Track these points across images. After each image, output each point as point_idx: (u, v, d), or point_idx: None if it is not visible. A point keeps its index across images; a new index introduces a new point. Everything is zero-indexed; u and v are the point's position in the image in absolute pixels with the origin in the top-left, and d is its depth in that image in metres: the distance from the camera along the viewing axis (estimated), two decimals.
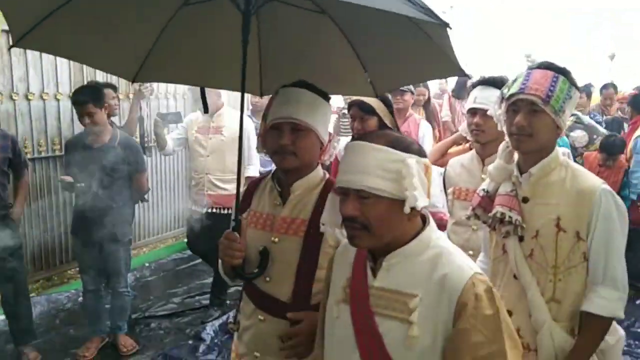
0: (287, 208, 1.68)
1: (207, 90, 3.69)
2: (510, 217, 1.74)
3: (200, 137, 3.91)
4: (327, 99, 1.72)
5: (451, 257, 1.23)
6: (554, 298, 1.71)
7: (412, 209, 1.17)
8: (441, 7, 9.64)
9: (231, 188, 3.88)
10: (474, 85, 2.43)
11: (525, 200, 1.76)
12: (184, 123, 4.07)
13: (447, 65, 1.73)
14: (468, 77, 1.76)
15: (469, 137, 2.70)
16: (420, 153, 1.24)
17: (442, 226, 3.06)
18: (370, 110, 2.55)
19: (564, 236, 1.68)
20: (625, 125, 4.91)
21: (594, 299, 1.66)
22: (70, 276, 4.73)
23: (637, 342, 3.74)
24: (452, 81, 6.49)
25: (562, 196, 1.69)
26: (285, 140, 1.61)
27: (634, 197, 4.36)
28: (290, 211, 1.67)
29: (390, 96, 4.57)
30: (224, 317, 4.03)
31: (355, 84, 2.03)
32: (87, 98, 3.24)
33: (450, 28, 1.44)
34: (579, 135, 4.36)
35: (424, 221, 1.29)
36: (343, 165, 1.25)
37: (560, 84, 1.69)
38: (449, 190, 2.63)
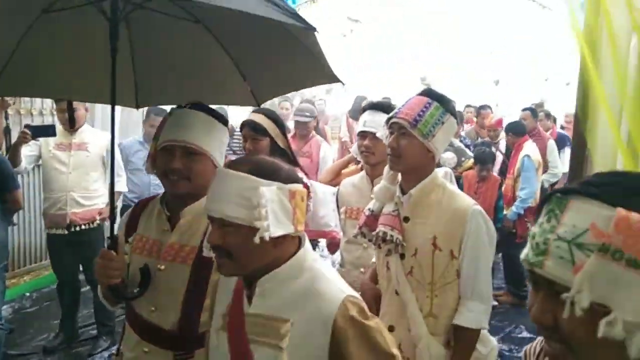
0: (176, 234, 1.61)
1: (77, 103, 3.56)
2: (391, 235, 1.82)
3: (59, 154, 3.69)
4: (224, 122, 1.69)
5: (323, 281, 1.23)
6: (431, 313, 1.81)
7: (271, 237, 1.15)
8: (341, 31, 9.99)
9: (95, 203, 3.76)
10: (364, 110, 2.54)
11: (406, 219, 1.85)
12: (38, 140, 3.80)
13: (322, 72, 1.78)
14: (342, 83, 1.84)
15: (359, 159, 2.80)
16: (288, 179, 1.22)
17: (335, 245, 3.12)
18: (262, 131, 2.54)
19: (440, 254, 1.79)
20: (493, 148, 5.40)
21: (464, 313, 1.78)
22: None
23: (517, 347, 4.03)
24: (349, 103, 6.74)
25: (439, 216, 1.80)
26: (176, 164, 1.56)
27: (520, 211, 4.77)
28: (179, 237, 1.60)
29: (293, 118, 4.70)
30: (114, 348, 3.78)
31: (236, 93, 2.02)
32: None
33: (317, 32, 1.49)
34: (448, 157, 4.75)
35: (300, 242, 1.29)
36: (209, 192, 1.23)
37: (432, 109, 1.80)
38: (342, 210, 2.69)
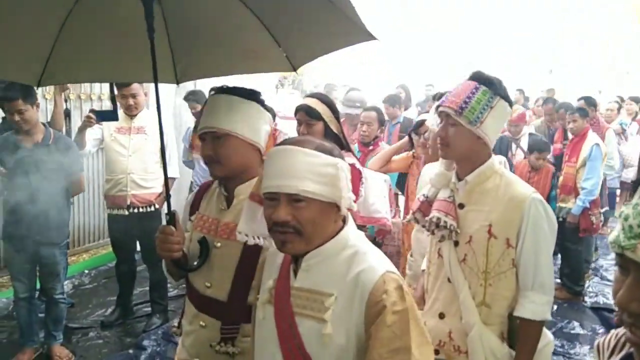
0: (232, 213, 1.67)
1: (128, 90, 3.68)
2: (445, 221, 1.79)
3: (120, 137, 3.83)
4: (252, 97, 1.69)
5: (365, 256, 1.26)
6: (484, 302, 1.77)
7: (339, 210, 1.22)
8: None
9: (153, 186, 3.88)
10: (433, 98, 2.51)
11: (461, 206, 1.82)
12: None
13: (357, 31, 1.78)
14: (377, 40, 1.81)
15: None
16: (341, 156, 1.28)
17: (384, 231, 3.12)
18: (315, 115, 2.56)
19: (495, 242, 1.74)
20: (514, 146, 5.13)
21: (525, 305, 1.73)
22: (1, 284, 4.49)
23: (569, 344, 3.91)
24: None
25: (495, 203, 1.75)
26: (207, 151, 1.64)
27: (585, 204, 4.53)
28: (235, 216, 1.66)
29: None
30: (166, 326, 3.93)
31: (271, 60, 2.03)
32: (17, 94, 3.08)
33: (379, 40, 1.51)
34: None
35: (344, 221, 1.32)
36: (271, 170, 1.25)
37: (479, 94, 1.74)
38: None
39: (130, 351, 3.65)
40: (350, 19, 1.70)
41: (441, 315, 1.85)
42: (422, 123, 3.17)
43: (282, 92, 8.74)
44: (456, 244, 1.81)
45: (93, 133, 3.75)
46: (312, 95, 2.71)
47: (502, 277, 1.76)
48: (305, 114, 2.57)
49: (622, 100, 8.04)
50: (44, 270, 3.40)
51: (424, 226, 1.92)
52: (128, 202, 3.81)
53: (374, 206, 2.83)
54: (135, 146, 3.83)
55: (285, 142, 1.30)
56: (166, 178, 1.88)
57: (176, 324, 1.84)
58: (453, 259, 1.81)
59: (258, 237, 1.49)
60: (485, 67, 1.93)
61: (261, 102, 1.71)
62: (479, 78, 1.79)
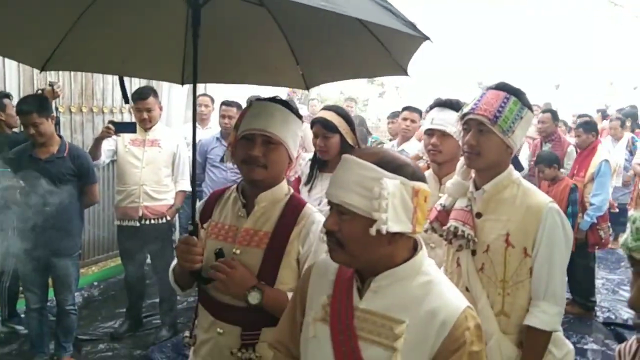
0: (251, 219, 1.68)
1: (144, 104, 3.75)
2: (463, 231, 1.80)
3: (134, 149, 3.87)
4: (299, 116, 1.74)
5: (443, 287, 1.20)
6: (503, 311, 1.77)
7: (388, 232, 1.12)
8: None
9: (165, 198, 3.92)
10: (431, 107, 2.49)
11: (478, 215, 1.82)
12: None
13: (387, 64, 1.76)
14: (408, 75, 1.83)
15: (425, 157, 2.77)
16: (414, 176, 1.18)
17: None
18: (332, 128, 2.59)
19: (513, 251, 1.74)
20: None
21: (536, 314, 1.72)
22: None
23: (583, 359, 3.87)
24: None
25: (512, 213, 1.76)
26: (256, 152, 1.62)
27: (593, 220, 4.52)
28: (254, 223, 1.67)
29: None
30: (176, 338, 3.92)
31: (287, 76, 2.04)
32: (32, 107, 3.13)
33: (431, 41, 1.48)
34: None
35: (416, 246, 1.25)
36: (332, 177, 1.24)
37: (510, 104, 1.76)
38: None
39: None
40: (387, 50, 1.68)
41: None
42: None
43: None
44: (474, 253, 1.81)
45: (107, 144, 3.80)
46: (329, 108, 2.74)
47: (520, 287, 1.76)
48: (322, 127, 2.60)
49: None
50: (57, 281, 3.41)
51: (441, 235, 1.92)
52: (140, 214, 3.83)
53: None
54: (149, 158, 3.86)
55: (355, 151, 1.27)
56: (194, 183, 1.84)
57: (188, 334, 1.83)
58: (471, 268, 1.81)
59: None
60: (492, 77, 1.95)
61: (302, 122, 1.76)
62: (508, 89, 1.79)
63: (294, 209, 1.68)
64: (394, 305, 1.18)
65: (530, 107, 1.81)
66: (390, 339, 1.15)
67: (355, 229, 1.15)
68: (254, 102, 1.72)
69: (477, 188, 1.84)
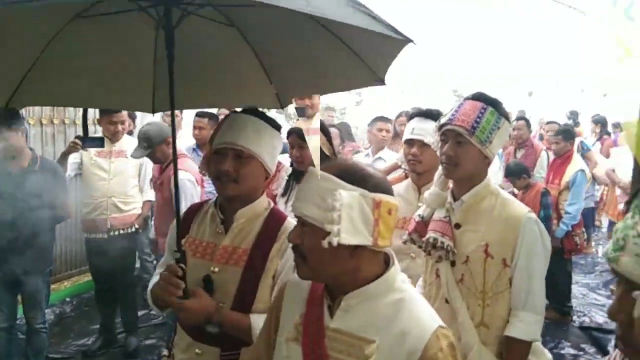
0: (229, 236, 1.63)
1: (118, 117, 3.70)
2: (442, 242, 1.79)
3: (100, 161, 3.81)
4: (277, 127, 1.70)
5: (415, 305, 1.16)
6: (482, 322, 1.76)
7: (344, 244, 1.08)
8: None
9: (134, 208, 3.87)
10: (411, 117, 2.49)
11: (457, 226, 1.82)
12: None
13: (363, 75, 1.73)
14: (384, 84, 1.79)
15: (403, 167, 2.77)
16: (376, 188, 1.13)
17: None
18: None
19: (492, 262, 1.74)
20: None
21: (516, 324, 1.72)
22: None
23: None
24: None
25: (491, 223, 1.76)
26: (226, 166, 1.58)
27: (568, 228, 4.59)
28: (232, 239, 1.62)
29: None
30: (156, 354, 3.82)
31: (261, 95, 2.01)
32: (2, 121, 3.01)
33: (414, 43, 1.46)
34: None
35: (388, 261, 1.21)
36: (297, 190, 1.22)
37: (487, 115, 1.76)
38: None
39: None
40: (362, 61, 1.65)
41: None
42: None
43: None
44: (453, 264, 1.80)
45: (72, 157, 3.71)
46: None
47: (500, 297, 1.75)
48: (297, 137, 2.58)
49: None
50: (26, 299, 3.29)
51: (420, 247, 1.91)
52: (108, 226, 3.77)
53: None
54: (117, 170, 3.81)
55: (323, 164, 1.25)
56: (178, 209, 1.66)
57: (166, 353, 1.78)
58: (450, 279, 1.80)
59: None
60: (467, 84, 1.95)
61: (280, 133, 1.71)
62: (484, 99, 1.80)
63: (274, 224, 1.64)
64: (365, 324, 1.14)
65: (507, 117, 1.82)
66: (361, 358, 1.12)
67: (315, 242, 1.11)
68: (229, 114, 1.69)
69: (455, 199, 1.83)
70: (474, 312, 1.76)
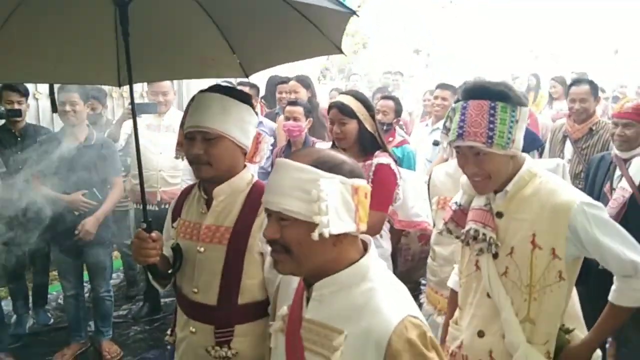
0: (212, 216, 1.66)
1: (159, 87, 3.67)
2: (484, 234, 1.64)
3: (150, 134, 3.85)
4: (244, 100, 1.67)
5: (384, 294, 1.12)
6: (528, 318, 1.62)
7: (331, 234, 1.07)
8: (441, 2, 9.46)
9: (180, 181, 3.93)
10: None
11: (499, 215, 1.66)
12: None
13: (321, 44, 1.76)
14: (344, 54, 1.84)
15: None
16: (352, 173, 1.13)
17: (425, 236, 2.96)
18: (349, 113, 2.42)
19: (540, 253, 1.58)
20: None
21: (627, 292, 1.59)
22: (54, 277, 4.66)
23: None
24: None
25: (537, 211, 1.59)
26: (196, 150, 1.59)
27: None
28: (215, 218, 1.66)
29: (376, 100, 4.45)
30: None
31: (224, 66, 2.03)
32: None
33: (357, 15, 1.54)
34: None
35: (367, 247, 1.19)
36: (267, 184, 1.18)
37: (499, 113, 1.55)
38: (433, 200, 2.52)
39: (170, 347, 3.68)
40: (319, 31, 1.67)
41: (480, 334, 1.70)
42: None
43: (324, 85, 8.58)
44: (495, 256, 1.65)
45: (123, 128, 3.80)
46: (347, 92, 2.58)
47: (548, 291, 1.59)
48: (339, 112, 2.44)
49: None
50: (90, 268, 3.49)
51: (458, 237, 1.77)
52: (159, 198, 3.85)
53: (414, 209, 2.69)
54: (166, 145, 3.84)
55: (289, 154, 1.21)
56: (142, 181, 1.73)
57: (169, 332, 1.85)
58: (493, 273, 1.65)
59: None
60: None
61: (252, 105, 1.69)
62: (488, 94, 1.58)
63: (255, 200, 1.62)
64: (336, 314, 1.13)
65: (521, 102, 1.59)
66: (329, 349, 1.10)
67: (299, 235, 1.10)
68: (195, 95, 1.66)
69: (496, 191, 1.66)
70: (519, 307, 1.62)
